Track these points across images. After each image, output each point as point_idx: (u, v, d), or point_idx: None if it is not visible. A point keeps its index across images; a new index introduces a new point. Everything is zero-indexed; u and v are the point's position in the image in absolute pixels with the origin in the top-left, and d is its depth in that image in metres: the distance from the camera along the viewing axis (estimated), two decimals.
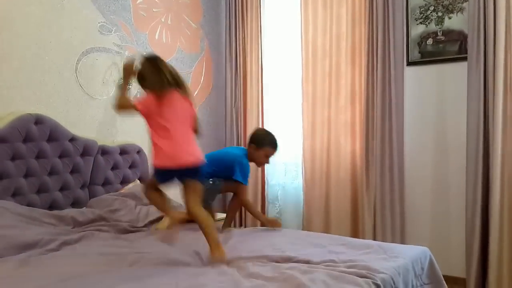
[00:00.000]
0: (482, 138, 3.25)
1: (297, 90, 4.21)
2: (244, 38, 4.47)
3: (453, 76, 3.53)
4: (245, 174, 3.02)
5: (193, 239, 2.63)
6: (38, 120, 3.06)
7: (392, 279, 2.07)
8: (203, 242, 2.35)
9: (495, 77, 3.17)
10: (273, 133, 3.20)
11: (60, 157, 3.16)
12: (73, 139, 3.23)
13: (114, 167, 3.50)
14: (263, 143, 3.07)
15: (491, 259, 3.15)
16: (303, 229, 4.09)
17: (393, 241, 3.49)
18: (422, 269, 2.36)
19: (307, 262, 2.19)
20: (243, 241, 2.69)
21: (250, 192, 4.43)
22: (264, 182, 4.44)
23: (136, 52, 3.77)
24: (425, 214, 3.67)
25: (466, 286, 3.29)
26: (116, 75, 3.64)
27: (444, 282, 2.44)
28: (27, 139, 2.99)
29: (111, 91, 3.61)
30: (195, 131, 2.51)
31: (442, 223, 3.60)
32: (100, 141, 3.44)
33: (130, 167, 3.62)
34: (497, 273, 3.14)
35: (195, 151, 2.40)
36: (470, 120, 3.31)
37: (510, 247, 3.13)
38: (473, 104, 3.28)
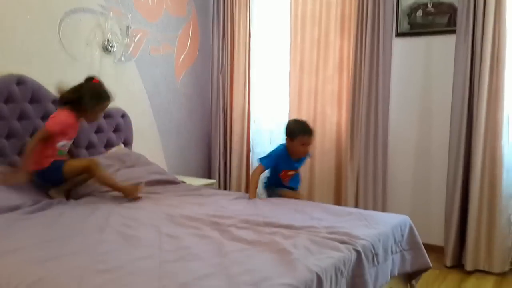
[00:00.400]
0: (466, 113, 3.28)
1: (285, 58, 4.18)
2: (232, 3, 4.38)
3: (441, 49, 3.53)
4: (266, 155, 3.22)
5: (167, 206, 2.64)
6: (20, 81, 2.99)
7: (372, 245, 2.12)
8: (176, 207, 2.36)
9: (482, 51, 3.17)
10: (304, 120, 3.19)
11: (43, 118, 3.10)
12: (56, 101, 3.17)
13: (98, 131, 3.46)
14: (295, 133, 3.04)
15: (470, 230, 3.23)
16: None
17: (374, 210, 3.55)
18: (402, 236, 2.42)
19: (290, 227, 2.22)
20: (227, 205, 2.71)
21: (235, 160, 4.44)
22: (249, 150, 4.45)
23: (121, 13, 3.69)
24: (407, 184, 3.73)
25: (444, 254, 3.39)
26: (100, 36, 3.56)
27: (423, 248, 2.50)
28: (8, 100, 2.92)
29: (95, 53, 3.54)
30: None
31: (423, 194, 3.67)
32: None
33: (114, 131, 3.59)
34: (475, 243, 3.23)
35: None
36: (455, 94, 3.33)
37: (489, 218, 3.21)
38: (459, 78, 3.29)
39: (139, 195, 2.79)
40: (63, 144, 2.80)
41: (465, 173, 3.31)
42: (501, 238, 3.17)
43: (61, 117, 2.74)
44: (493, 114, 3.18)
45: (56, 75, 3.29)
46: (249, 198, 2.97)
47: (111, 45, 3.61)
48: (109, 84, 3.63)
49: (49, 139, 2.68)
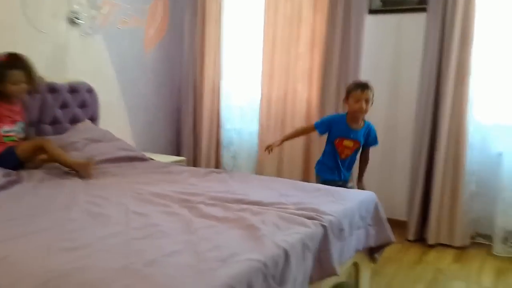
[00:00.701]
0: (433, 90, 3.35)
1: (258, 34, 4.14)
2: None
3: (412, 27, 3.57)
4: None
5: (135, 183, 2.63)
6: None
7: (339, 221, 2.16)
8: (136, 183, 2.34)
9: (452, 30, 3.23)
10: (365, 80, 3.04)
11: None
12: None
13: (63, 106, 3.37)
14: (348, 91, 2.93)
15: (433, 205, 3.34)
16: (256, 174, 4.16)
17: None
18: (368, 212, 2.48)
19: (258, 204, 2.24)
20: (196, 182, 2.71)
21: (205, 136, 4.42)
22: (219, 127, 4.44)
23: None
24: (373, 160, 3.79)
25: (407, 228, 3.50)
26: (66, 8, 3.44)
27: (387, 224, 2.57)
28: None
29: (61, 25, 3.42)
30: None
31: (388, 170, 3.76)
32: (48, 78, 3.28)
33: (80, 106, 3.50)
34: (437, 218, 3.35)
35: None
36: (424, 72, 3.39)
37: (451, 194, 3.32)
38: (428, 55, 3.35)
39: (91, 171, 2.74)
40: (7, 130, 2.74)
41: (429, 149, 3.40)
42: (463, 213, 3.30)
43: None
44: (459, 92, 3.26)
45: (21, 49, 3.15)
46: (276, 143, 3.10)
47: (77, 17, 3.49)
48: (75, 57, 3.55)
49: None
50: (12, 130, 2.79)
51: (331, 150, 3.01)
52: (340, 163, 3.01)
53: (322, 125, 3.04)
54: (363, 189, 2.96)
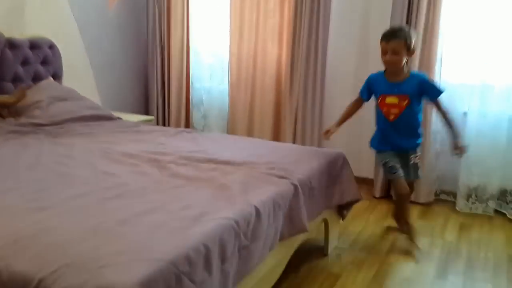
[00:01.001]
0: None
1: None
2: None
3: None
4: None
5: (103, 143, 2.57)
6: None
7: (309, 179, 2.19)
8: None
9: None
10: (401, 26, 2.72)
11: None
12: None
13: (24, 63, 3.22)
14: (379, 43, 2.57)
15: None
16: (227, 133, 4.14)
17: (311, 146, 3.66)
18: (337, 170, 2.51)
19: (230, 163, 2.24)
20: (166, 142, 2.67)
21: (174, 95, 4.35)
22: (189, 86, 4.36)
23: None
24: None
25: (373, 186, 3.59)
26: None
27: (355, 182, 2.62)
28: None
29: None
30: None
31: (356, 130, 3.79)
32: (6, 33, 3.11)
33: (42, 63, 3.36)
34: None
35: None
36: None
37: None
38: (397, 15, 3.34)
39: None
40: None
41: None
42: (428, 171, 3.39)
43: None
44: (428, 52, 3.29)
45: None
46: (334, 129, 2.74)
47: None
48: (35, 12, 3.37)
49: None
50: None
51: (378, 115, 2.67)
52: (391, 127, 2.60)
53: (363, 89, 2.72)
54: (460, 150, 2.58)
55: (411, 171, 2.71)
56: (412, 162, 2.68)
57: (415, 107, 2.58)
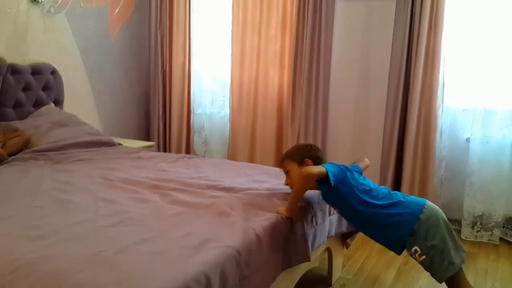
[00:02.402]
0: (403, 76, 3.36)
1: (227, 16, 4.06)
2: None
3: (382, 12, 3.56)
4: None
5: (104, 169, 2.54)
6: None
7: (311, 206, 2.15)
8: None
9: (421, 16, 3.24)
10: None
11: None
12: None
13: (26, 88, 3.22)
14: None
15: (403, 189, 3.37)
16: (228, 159, 4.12)
17: None
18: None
19: (231, 190, 2.20)
20: (167, 168, 2.64)
21: (175, 121, 4.34)
22: (190, 111, 4.36)
23: None
24: (345, 146, 3.82)
25: None
26: None
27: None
28: None
29: (22, 3, 3.25)
30: None
31: (360, 154, 3.76)
32: (9, 59, 3.12)
33: (44, 88, 3.36)
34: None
35: None
36: (393, 57, 3.39)
37: (421, 179, 3.36)
38: (398, 41, 3.35)
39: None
40: None
41: (400, 135, 3.42)
42: (433, 198, 3.34)
43: None
44: (429, 78, 3.29)
45: None
46: None
47: None
48: (37, 38, 3.39)
49: None
50: None
51: None
52: None
53: None
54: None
55: (425, 270, 1.96)
56: (418, 260, 1.93)
57: (338, 201, 2.04)
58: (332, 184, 1.94)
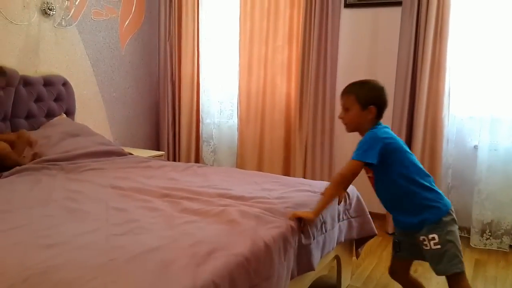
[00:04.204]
0: (409, 84, 3.37)
1: (235, 27, 4.11)
2: None
3: (388, 21, 3.59)
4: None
5: (114, 178, 2.57)
6: None
7: (321, 214, 2.16)
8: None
9: (427, 24, 3.25)
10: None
11: None
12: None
13: (38, 100, 3.28)
14: None
15: None
16: (236, 167, 4.14)
17: (321, 180, 3.63)
18: (350, 204, 2.49)
19: (241, 198, 2.23)
20: (177, 177, 2.67)
21: (184, 131, 4.38)
22: (199, 121, 4.40)
23: None
24: (351, 155, 3.82)
25: (387, 221, 3.53)
26: None
27: (369, 216, 2.59)
28: None
29: (33, 16, 3.32)
30: None
31: None
32: (21, 71, 3.19)
33: (55, 100, 3.42)
34: None
35: None
36: (399, 66, 3.41)
37: None
38: (404, 49, 3.37)
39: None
40: None
41: (407, 143, 3.42)
42: None
43: None
44: (435, 86, 3.30)
45: None
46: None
47: (50, 8, 3.40)
48: (48, 50, 3.46)
49: None
50: None
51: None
52: (379, 199, 2.09)
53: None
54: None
55: (429, 257, 1.94)
56: (428, 247, 1.90)
57: (382, 175, 1.96)
58: (375, 163, 1.88)
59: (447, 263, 1.88)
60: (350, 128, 2.07)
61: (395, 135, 2.00)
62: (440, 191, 1.96)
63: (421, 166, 1.97)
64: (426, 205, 1.90)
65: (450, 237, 1.87)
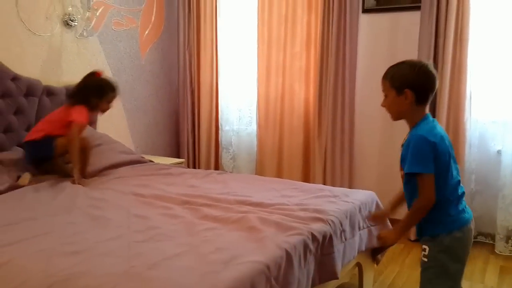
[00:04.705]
0: None
1: (253, 33, 4.13)
2: None
3: (406, 25, 3.56)
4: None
5: (136, 186, 2.60)
6: None
7: (340, 222, 2.15)
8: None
9: (446, 28, 3.22)
10: None
11: (3, 97, 2.98)
12: (15, 78, 3.04)
13: None
14: None
15: None
16: (256, 174, 4.14)
17: (341, 186, 3.61)
18: (369, 212, 2.47)
19: (260, 205, 2.23)
20: (197, 184, 2.69)
21: (204, 138, 4.41)
22: (218, 128, 4.42)
23: None
24: (373, 160, 3.79)
25: None
26: (60, 10, 3.41)
27: (389, 223, 2.56)
28: None
29: (56, 28, 3.40)
30: None
31: (388, 169, 3.74)
32: (44, 81, 3.26)
33: None
34: None
35: None
36: None
37: None
38: (423, 54, 3.33)
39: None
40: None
41: None
42: None
43: (83, 111, 2.82)
44: (456, 90, 3.25)
45: (15, 51, 3.16)
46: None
47: (72, 19, 3.47)
48: (71, 60, 3.53)
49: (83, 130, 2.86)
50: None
51: None
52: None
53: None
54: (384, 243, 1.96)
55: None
56: (424, 250, 1.75)
57: (410, 178, 1.74)
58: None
59: (425, 281, 1.73)
60: (394, 116, 1.88)
61: (444, 132, 1.75)
62: (465, 204, 1.76)
63: (458, 176, 1.75)
64: (445, 220, 1.70)
65: (442, 256, 1.69)
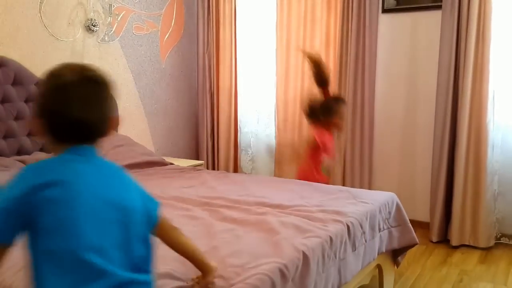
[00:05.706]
0: (452, 89, 3.29)
1: (271, 35, 4.14)
2: None
3: (427, 25, 3.52)
4: None
5: (156, 187, 2.62)
6: (2, 63, 2.92)
7: (360, 223, 2.14)
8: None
9: (468, 27, 3.17)
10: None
11: (26, 101, 3.05)
12: (39, 83, 3.11)
13: None
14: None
15: (455, 205, 3.28)
16: (274, 176, 4.15)
17: (361, 187, 3.59)
18: (389, 213, 2.45)
19: (279, 207, 2.23)
20: (216, 185, 2.71)
21: (223, 140, 4.43)
22: (237, 130, 4.44)
23: None
24: (393, 161, 3.76)
25: (430, 229, 3.44)
26: (82, 15, 3.49)
27: (410, 225, 2.53)
28: None
29: (78, 33, 3.47)
30: None
31: (408, 170, 3.70)
32: None
33: None
34: (460, 218, 3.28)
35: None
36: (441, 71, 3.33)
37: (474, 194, 3.25)
38: (445, 54, 3.30)
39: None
40: (327, 163, 2.88)
41: (450, 149, 3.34)
42: (486, 214, 3.23)
43: (326, 135, 2.82)
44: (479, 91, 3.20)
45: (39, 56, 3.23)
46: None
47: (94, 24, 3.54)
48: (93, 64, 3.59)
49: (315, 148, 2.81)
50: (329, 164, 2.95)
51: None
52: None
53: None
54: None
55: None
56: None
57: None
58: None
59: None
60: None
61: None
62: None
63: None
64: None
65: None
